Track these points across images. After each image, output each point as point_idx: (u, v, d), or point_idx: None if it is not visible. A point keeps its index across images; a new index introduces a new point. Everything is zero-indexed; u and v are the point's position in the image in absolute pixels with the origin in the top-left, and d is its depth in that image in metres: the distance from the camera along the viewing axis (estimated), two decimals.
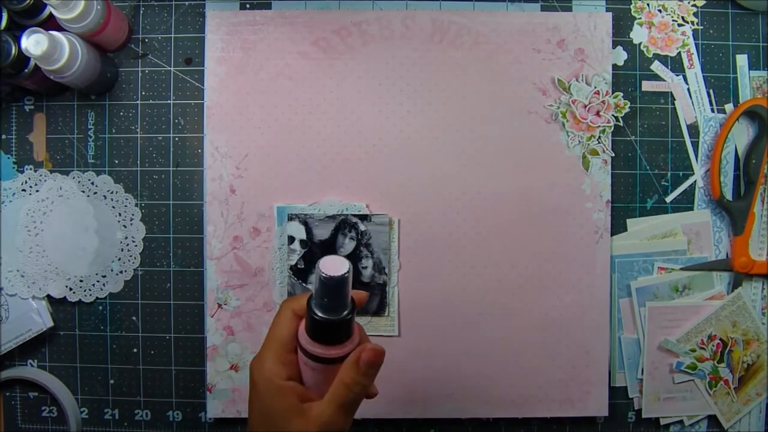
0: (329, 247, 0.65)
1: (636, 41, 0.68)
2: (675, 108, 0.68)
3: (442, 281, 0.66)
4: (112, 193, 0.67)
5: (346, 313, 0.41)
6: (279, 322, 0.45)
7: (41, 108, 0.67)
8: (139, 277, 0.67)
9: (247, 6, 0.67)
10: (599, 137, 0.66)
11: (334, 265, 0.39)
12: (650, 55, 0.68)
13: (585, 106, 0.66)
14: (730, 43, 0.68)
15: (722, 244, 0.68)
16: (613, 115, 0.66)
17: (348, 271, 0.39)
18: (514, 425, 0.68)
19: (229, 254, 0.66)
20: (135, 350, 0.67)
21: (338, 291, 0.40)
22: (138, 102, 0.67)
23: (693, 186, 0.68)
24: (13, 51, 0.57)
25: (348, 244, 0.65)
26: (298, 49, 0.66)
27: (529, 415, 0.67)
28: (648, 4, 0.68)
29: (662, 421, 0.68)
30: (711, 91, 0.68)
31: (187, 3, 0.68)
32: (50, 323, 0.66)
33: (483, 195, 0.66)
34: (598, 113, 0.66)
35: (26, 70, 0.60)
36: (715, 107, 0.68)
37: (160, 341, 0.67)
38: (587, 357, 0.66)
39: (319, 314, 0.40)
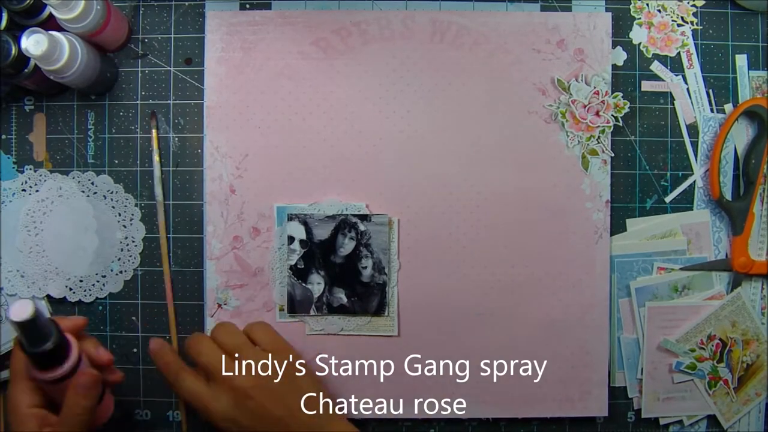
0: (329, 247, 0.65)
1: (635, 41, 0.68)
2: (674, 108, 0.68)
3: (441, 281, 0.66)
4: (111, 193, 0.67)
5: (48, 344, 0.46)
6: (17, 353, 0.49)
7: (41, 108, 0.67)
8: (139, 277, 0.67)
9: (247, 6, 0.68)
10: (599, 137, 0.66)
11: (19, 310, 0.44)
12: (650, 55, 0.68)
13: (584, 106, 0.66)
14: (730, 43, 0.68)
15: (722, 244, 0.68)
16: (612, 115, 0.66)
17: (33, 314, 0.44)
18: (514, 425, 0.68)
19: (229, 254, 0.66)
20: (135, 350, 0.67)
21: (31, 330, 0.45)
22: (138, 102, 0.67)
23: (692, 186, 0.68)
24: (13, 51, 0.57)
25: (348, 244, 0.65)
26: (298, 49, 0.66)
27: (529, 415, 0.67)
28: (647, 4, 0.68)
29: (662, 421, 0.68)
30: (710, 91, 0.68)
31: (187, 3, 0.68)
32: None
33: (483, 195, 0.66)
34: (597, 113, 0.66)
35: (26, 70, 0.59)
36: (714, 107, 0.68)
37: None
38: (587, 357, 0.67)
39: (26, 347, 0.46)
